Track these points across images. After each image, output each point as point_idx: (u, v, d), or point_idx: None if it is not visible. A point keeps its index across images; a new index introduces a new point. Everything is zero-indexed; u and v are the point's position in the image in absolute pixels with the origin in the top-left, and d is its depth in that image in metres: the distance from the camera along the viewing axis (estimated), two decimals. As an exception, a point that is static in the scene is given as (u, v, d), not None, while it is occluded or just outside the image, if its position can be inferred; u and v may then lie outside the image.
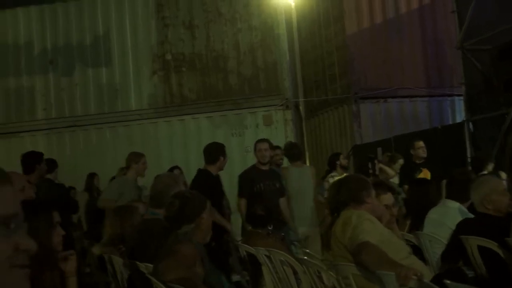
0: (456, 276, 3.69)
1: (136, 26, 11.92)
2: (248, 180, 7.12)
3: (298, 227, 7.44)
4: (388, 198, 4.34)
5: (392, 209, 4.35)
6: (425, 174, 8.13)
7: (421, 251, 4.81)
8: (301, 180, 7.74)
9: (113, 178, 8.77)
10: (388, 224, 4.13)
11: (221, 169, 6.88)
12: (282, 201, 7.22)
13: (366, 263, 3.36)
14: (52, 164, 8.98)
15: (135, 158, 7.55)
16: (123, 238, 5.23)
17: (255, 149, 7.32)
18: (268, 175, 7.18)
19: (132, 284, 4.39)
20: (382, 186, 4.54)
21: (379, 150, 11.27)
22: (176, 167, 9.12)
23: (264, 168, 7.18)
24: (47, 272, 2.57)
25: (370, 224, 3.65)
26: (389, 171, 8.93)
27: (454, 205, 4.89)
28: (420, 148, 8.50)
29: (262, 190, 7.02)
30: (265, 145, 7.25)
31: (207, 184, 6.55)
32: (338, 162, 9.22)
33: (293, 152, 8.03)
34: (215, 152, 6.82)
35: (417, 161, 8.50)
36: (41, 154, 6.98)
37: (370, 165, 8.79)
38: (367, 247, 3.40)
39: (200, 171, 6.90)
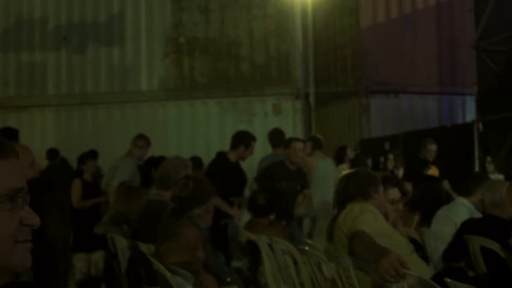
0: (457, 275, 3.68)
1: (151, 7, 11.90)
2: (270, 173, 6.88)
3: (320, 218, 7.31)
4: (395, 192, 4.35)
5: (397, 204, 4.36)
6: (433, 171, 8.07)
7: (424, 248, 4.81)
8: (324, 172, 7.65)
9: None
10: (394, 220, 4.12)
11: (241, 158, 6.74)
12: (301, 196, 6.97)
13: (356, 251, 3.36)
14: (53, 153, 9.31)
15: (147, 141, 7.66)
16: (127, 219, 5.26)
17: (288, 146, 6.99)
18: (292, 176, 6.89)
19: (133, 264, 4.41)
20: (391, 180, 4.55)
21: (387, 145, 11.25)
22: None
23: (292, 167, 6.90)
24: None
25: (372, 216, 3.65)
26: None
27: (462, 201, 4.89)
28: (430, 152, 8.31)
29: (282, 189, 6.69)
30: (300, 146, 6.96)
31: (221, 167, 6.54)
32: (346, 157, 9.26)
33: (317, 142, 7.97)
34: (236, 139, 6.73)
35: (427, 159, 8.37)
36: (15, 132, 6.87)
37: (382, 159, 8.74)
38: (360, 235, 3.39)
39: (217, 154, 6.87)
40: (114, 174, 7.52)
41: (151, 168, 7.81)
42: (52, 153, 9.78)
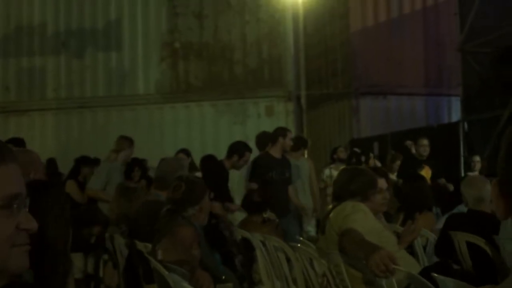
0: (444, 270, 3.68)
1: (147, 13, 12.18)
2: (262, 167, 7.03)
3: None
4: (382, 182, 4.30)
5: (385, 193, 4.30)
6: (426, 171, 8.14)
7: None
8: (296, 170, 7.79)
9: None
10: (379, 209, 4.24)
11: (235, 167, 6.95)
12: (290, 189, 7.26)
13: (346, 248, 3.41)
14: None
15: (128, 143, 7.72)
16: (125, 218, 5.47)
17: (283, 136, 7.13)
18: (280, 164, 7.12)
19: (131, 263, 4.53)
20: (378, 171, 4.61)
21: (376, 144, 11.60)
22: (183, 150, 8.73)
23: (277, 156, 7.11)
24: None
25: (363, 216, 3.69)
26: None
27: None
28: (422, 146, 8.47)
29: (273, 179, 6.96)
30: (292, 135, 7.36)
31: (217, 172, 6.72)
32: (335, 156, 9.55)
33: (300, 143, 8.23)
34: (232, 148, 6.95)
35: (420, 158, 8.47)
36: (15, 141, 6.98)
37: (363, 159, 8.99)
38: (350, 233, 3.42)
39: (218, 161, 7.06)
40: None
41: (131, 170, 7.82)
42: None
